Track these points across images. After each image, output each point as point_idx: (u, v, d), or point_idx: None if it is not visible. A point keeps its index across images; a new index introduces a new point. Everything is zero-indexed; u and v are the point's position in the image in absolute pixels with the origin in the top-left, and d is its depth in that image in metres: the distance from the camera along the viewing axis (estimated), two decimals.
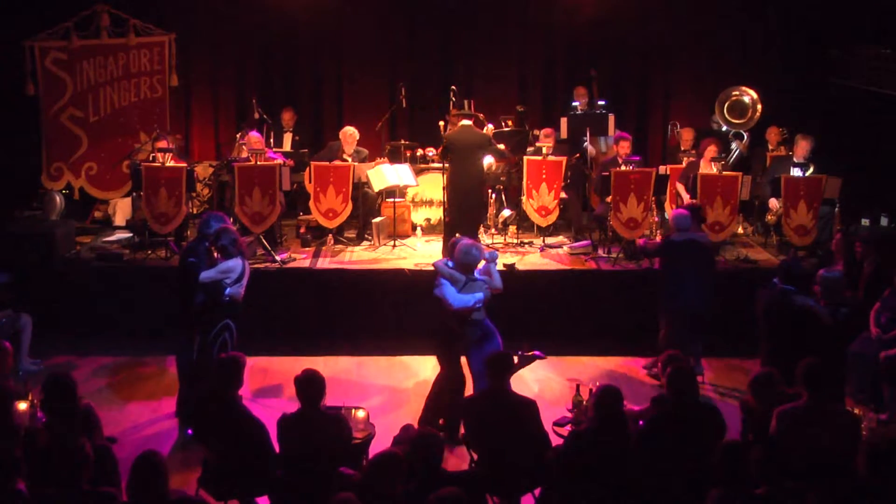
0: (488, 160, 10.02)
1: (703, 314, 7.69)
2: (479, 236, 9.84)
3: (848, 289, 7.93)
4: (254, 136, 9.73)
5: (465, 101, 9.28)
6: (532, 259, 9.57)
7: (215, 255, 6.83)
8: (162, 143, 9.56)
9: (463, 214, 9.10)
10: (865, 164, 10.52)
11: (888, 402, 6.94)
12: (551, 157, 9.89)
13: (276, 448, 5.18)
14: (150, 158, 9.70)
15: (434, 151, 10.71)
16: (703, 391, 5.68)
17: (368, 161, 10.25)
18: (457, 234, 9.10)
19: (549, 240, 10.11)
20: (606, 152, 10.56)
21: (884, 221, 10.02)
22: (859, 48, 10.83)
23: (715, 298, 7.76)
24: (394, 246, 9.80)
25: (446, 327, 6.62)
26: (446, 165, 9.33)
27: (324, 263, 9.34)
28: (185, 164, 9.49)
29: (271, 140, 10.65)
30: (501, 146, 9.68)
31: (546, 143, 10.11)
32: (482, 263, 6.66)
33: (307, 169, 9.88)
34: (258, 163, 9.27)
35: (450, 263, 6.68)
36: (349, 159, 9.97)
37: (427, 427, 5.98)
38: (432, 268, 6.72)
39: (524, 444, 5.26)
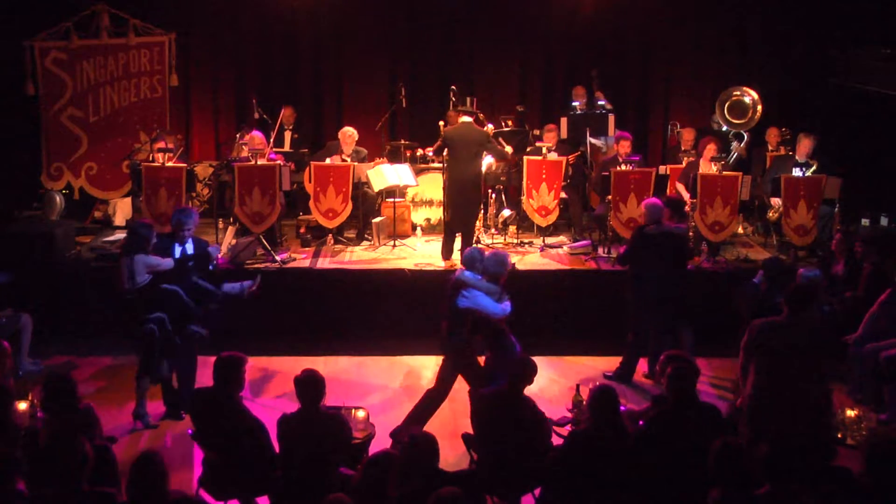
0: (488, 160, 10.04)
1: (669, 303, 7.58)
2: (479, 235, 9.87)
3: (845, 289, 7.95)
4: (257, 135, 9.71)
5: (468, 98, 9.26)
6: (532, 259, 9.57)
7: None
8: (160, 144, 9.56)
9: (459, 212, 9.09)
10: (865, 164, 10.52)
11: (888, 402, 6.95)
12: (551, 157, 9.89)
13: (276, 448, 5.18)
14: (150, 158, 9.71)
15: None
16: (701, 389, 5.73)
17: (368, 161, 10.25)
18: (455, 234, 9.19)
19: (549, 240, 10.11)
20: (607, 152, 10.56)
21: (884, 221, 10.04)
22: (859, 48, 10.83)
23: (686, 288, 7.75)
24: (394, 246, 9.81)
25: (468, 339, 6.57)
26: (444, 165, 9.36)
27: (324, 263, 9.34)
28: (185, 164, 9.49)
29: (271, 140, 10.64)
30: (509, 149, 9.64)
31: (548, 143, 10.11)
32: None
33: (307, 169, 9.88)
34: (258, 163, 9.27)
35: (468, 274, 6.62)
36: (348, 159, 9.97)
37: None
38: (460, 280, 6.56)
39: (527, 450, 5.25)
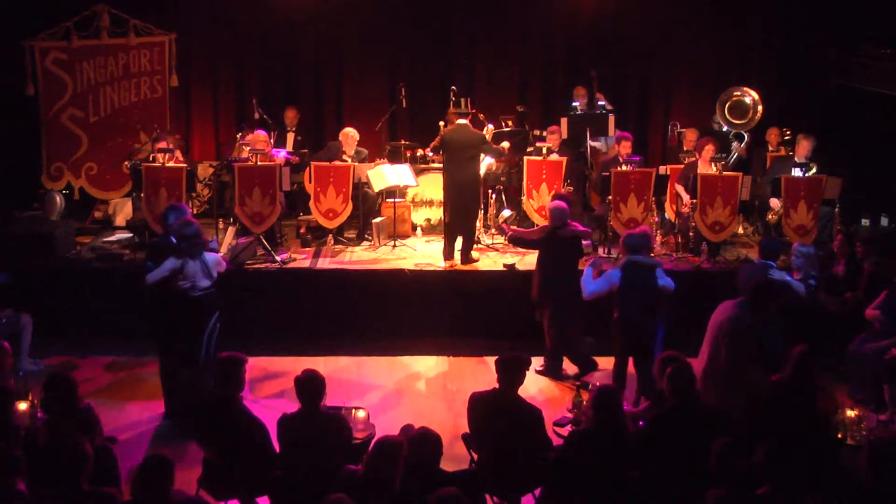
0: (489, 161, 10.03)
1: (575, 303, 7.60)
2: (479, 235, 9.87)
3: (846, 289, 7.96)
4: (260, 133, 9.71)
5: (462, 100, 9.28)
6: (532, 259, 9.49)
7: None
8: (161, 144, 9.56)
9: (458, 214, 9.11)
10: (865, 164, 10.52)
11: (889, 402, 6.94)
12: (551, 158, 9.90)
13: (276, 448, 5.18)
14: (150, 158, 9.71)
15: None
16: None
17: (368, 161, 10.25)
18: (456, 235, 9.20)
19: None
20: (607, 152, 10.56)
21: (884, 221, 10.03)
22: (859, 48, 10.83)
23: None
24: (394, 246, 9.81)
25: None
26: (444, 165, 9.38)
27: (324, 263, 9.33)
28: (184, 164, 9.49)
29: (272, 140, 10.64)
30: (506, 144, 9.66)
31: (550, 143, 10.10)
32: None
33: (307, 169, 9.88)
34: (258, 163, 9.27)
35: (640, 256, 7.00)
36: (349, 160, 9.97)
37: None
38: (648, 263, 7.02)
39: (526, 448, 5.26)
